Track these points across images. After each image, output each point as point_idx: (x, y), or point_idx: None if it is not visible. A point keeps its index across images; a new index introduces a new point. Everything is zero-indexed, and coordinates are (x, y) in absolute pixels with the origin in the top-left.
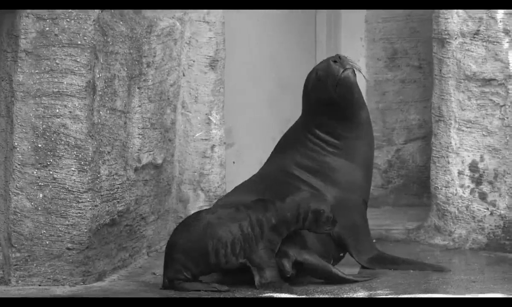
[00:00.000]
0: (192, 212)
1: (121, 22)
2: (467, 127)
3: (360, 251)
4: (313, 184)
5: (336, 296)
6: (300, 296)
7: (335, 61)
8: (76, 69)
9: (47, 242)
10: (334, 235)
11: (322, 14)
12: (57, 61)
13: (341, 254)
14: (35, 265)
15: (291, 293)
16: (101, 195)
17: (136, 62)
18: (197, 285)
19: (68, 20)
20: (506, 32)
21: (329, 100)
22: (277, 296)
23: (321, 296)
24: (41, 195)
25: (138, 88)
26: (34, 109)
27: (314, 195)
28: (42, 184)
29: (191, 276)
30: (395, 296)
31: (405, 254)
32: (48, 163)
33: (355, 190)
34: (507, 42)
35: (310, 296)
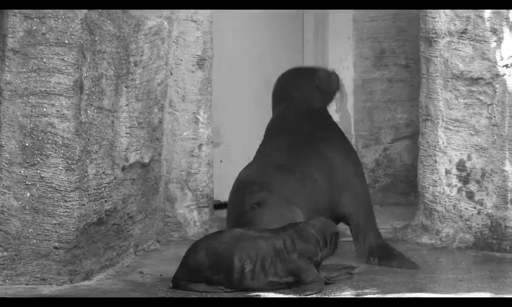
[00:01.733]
0: (180, 211)
1: (108, 21)
2: (455, 126)
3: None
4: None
5: (323, 296)
6: (288, 296)
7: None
8: (64, 68)
9: (34, 241)
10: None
11: (310, 14)
12: (44, 60)
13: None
14: (22, 264)
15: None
16: (89, 194)
17: (124, 61)
18: (202, 286)
19: (56, 19)
20: (494, 31)
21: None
22: (264, 296)
23: (309, 293)
24: (28, 194)
25: (126, 87)
26: (21, 108)
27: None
28: (29, 183)
29: (203, 280)
30: (382, 296)
31: None
32: (36, 162)
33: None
34: (494, 41)
35: (297, 296)
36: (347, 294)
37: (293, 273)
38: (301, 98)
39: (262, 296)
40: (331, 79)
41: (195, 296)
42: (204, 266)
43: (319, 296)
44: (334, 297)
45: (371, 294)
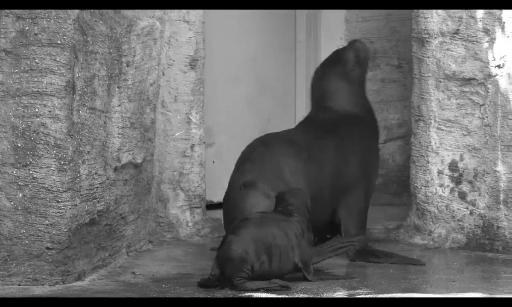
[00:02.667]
0: (172, 211)
1: (100, 22)
2: (447, 127)
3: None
4: None
5: (315, 296)
6: (280, 296)
7: None
8: (56, 68)
9: (27, 242)
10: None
11: (302, 14)
12: (36, 60)
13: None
14: (14, 264)
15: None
16: (81, 195)
17: (116, 62)
18: (259, 283)
19: (48, 19)
20: (486, 31)
21: None
22: (256, 296)
23: (300, 295)
24: (20, 195)
25: (118, 87)
26: (13, 109)
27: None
28: (21, 183)
29: (251, 273)
30: (375, 296)
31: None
32: (28, 163)
33: None
34: (486, 41)
35: (290, 296)
36: (340, 294)
37: (303, 260)
38: (339, 96)
39: (255, 296)
40: (361, 53)
41: (188, 297)
42: (250, 255)
43: (311, 296)
44: (327, 297)
45: (363, 294)
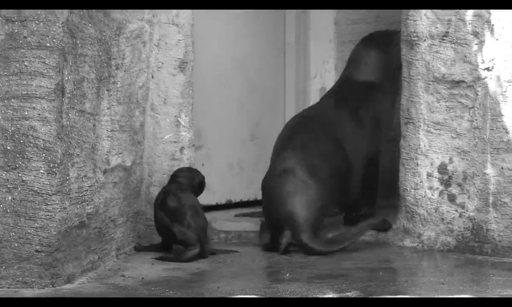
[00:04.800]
0: None
1: (90, 25)
2: (436, 129)
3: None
4: None
5: (304, 297)
6: (267, 297)
7: None
8: (45, 71)
9: (16, 245)
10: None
11: (291, 16)
12: (25, 63)
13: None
14: (4, 267)
15: None
16: (70, 198)
17: (105, 64)
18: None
19: (37, 22)
20: (475, 34)
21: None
22: (245, 297)
23: (291, 296)
24: (9, 198)
25: (107, 90)
26: (3, 112)
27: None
28: (10, 186)
29: None
30: (364, 297)
31: (374, 256)
32: (17, 166)
33: None
34: (476, 44)
35: (278, 296)
36: (329, 295)
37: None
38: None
39: (245, 297)
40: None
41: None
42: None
43: (300, 296)
44: (316, 297)
45: (352, 296)
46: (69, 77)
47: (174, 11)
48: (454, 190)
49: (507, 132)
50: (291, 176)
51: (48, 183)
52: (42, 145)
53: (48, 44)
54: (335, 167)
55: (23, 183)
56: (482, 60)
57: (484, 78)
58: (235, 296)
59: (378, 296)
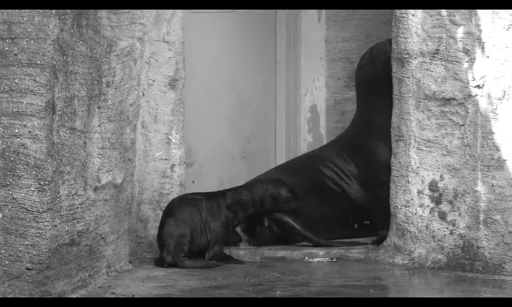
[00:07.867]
0: (152, 232)
1: (80, 42)
2: (427, 147)
3: None
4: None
5: (297, 296)
6: (259, 296)
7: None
8: (36, 88)
9: (6, 262)
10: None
11: (282, 33)
12: (16, 80)
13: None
14: None
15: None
16: (61, 215)
17: (96, 82)
18: (198, 262)
19: (28, 39)
20: (466, 51)
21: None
22: (237, 296)
23: (283, 295)
24: (0, 215)
25: (98, 107)
26: None
27: (271, 181)
28: (1, 204)
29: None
30: (360, 297)
31: (365, 273)
32: (8, 183)
33: None
34: (466, 61)
35: (271, 296)
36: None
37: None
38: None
39: (240, 297)
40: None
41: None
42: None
43: (292, 296)
44: (307, 297)
45: None
46: (59, 95)
47: (165, 29)
48: (444, 207)
49: (498, 150)
50: None
51: (39, 200)
52: (32, 162)
53: (38, 62)
54: None
55: (13, 201)
56: (473, 77)
57: (475, 96)
58: (235, 296)
59: (378, 296)
